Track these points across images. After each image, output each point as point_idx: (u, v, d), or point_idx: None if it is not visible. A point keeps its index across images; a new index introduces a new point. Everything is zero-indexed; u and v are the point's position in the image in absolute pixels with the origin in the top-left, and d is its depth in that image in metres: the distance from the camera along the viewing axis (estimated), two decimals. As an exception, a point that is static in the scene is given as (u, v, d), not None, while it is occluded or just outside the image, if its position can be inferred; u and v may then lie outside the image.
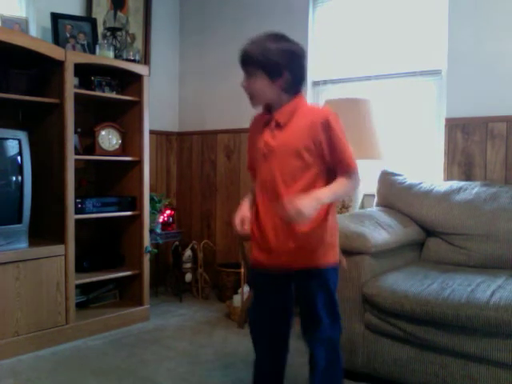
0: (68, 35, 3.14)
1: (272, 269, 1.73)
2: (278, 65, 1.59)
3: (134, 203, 3.19)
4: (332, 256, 1.72)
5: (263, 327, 1.84)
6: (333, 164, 1.66)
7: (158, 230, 3.55)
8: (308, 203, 1.52)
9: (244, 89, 1.65)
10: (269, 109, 1.70)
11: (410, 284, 2.13)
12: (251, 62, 1.60)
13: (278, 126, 1.65)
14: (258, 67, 1.59)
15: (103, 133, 3.09)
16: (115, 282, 3.28)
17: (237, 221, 1.74)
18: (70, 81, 2.79)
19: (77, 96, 2.83)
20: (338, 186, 1.64)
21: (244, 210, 1.77)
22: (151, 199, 3.40)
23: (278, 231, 1.67)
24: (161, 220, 3.62)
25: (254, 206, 1.77)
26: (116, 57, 3.22)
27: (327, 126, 1.62)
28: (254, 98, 1.65)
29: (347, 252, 2.16)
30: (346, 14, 3.30)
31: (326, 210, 1.68)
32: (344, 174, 1.66)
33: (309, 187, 1.63)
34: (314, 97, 3.42)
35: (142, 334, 2.97)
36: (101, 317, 2.99)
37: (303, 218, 1.51)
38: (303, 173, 1.64)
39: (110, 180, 3.36)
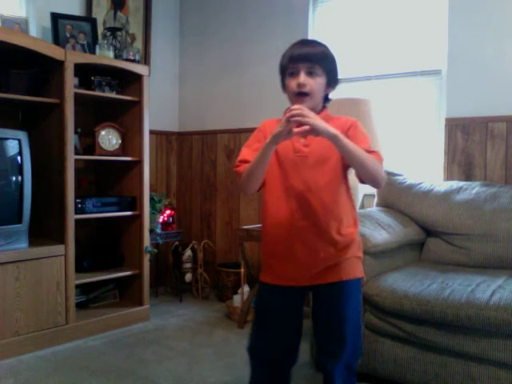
0: (68, 35, 3.14)
1: (294, 285, 1.62)
2: (336, 75, 1.66)
3: (134, 203, 3.19)
4: (360, 270, 1.67)
5: (271, 355, 1.69)
6: None
7: (158, 230, 3.56)
8: (320, 119, 1.46)
9: (302, 85, 1.57)
10: None
11: (410, 284, 2.13)
12: (322, 62, 1.60)
13: (311, 133, 1.55)
14: (324, 70, 1.60)
15: (103, 133, 3.09)
16: (115, 281, 3.28)
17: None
18: (70, 81, 2.79)
19: (77, 96, 2.83)
20: (361, 150, 1.51)
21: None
22: (151, 199, 3.40)
23: (307, 242, 1.59)
24: (161, 220, 3.62)
25: (266, 219, 1.66)
26: (116, 57, 3.22)
27: (353, 127, 1.62)
28: (308, 100, 1.59)
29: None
30: (346, 14, 3.30)
31: (354, 224, 1.65)
32: None
33: (339, 198, 1.61)
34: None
35: (142, 333, 2.97)
36: (101, 317, 2.99)
37: (305, 117, 1.43)
38: (335, 182, 1.60)
39: (110, 180, 3.36)
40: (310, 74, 1.59)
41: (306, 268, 1.61)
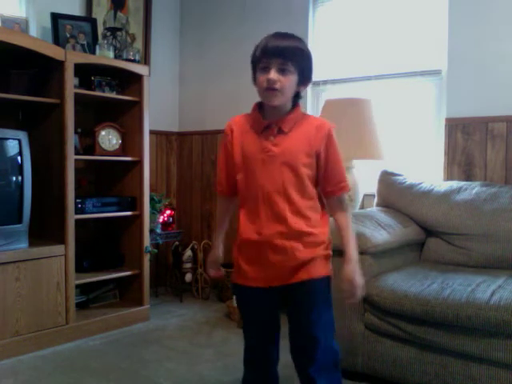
0: (68, 35, 3.14)
1: (263, 286, 1.63)
2: (310, 73, 1.62)
3: (134, 203, 3.19)
4: (329, 269, 1.66)
5: (260, 347, 1.72)
6: (324, 178, 1.61)
7: (158, 230, 3.55)
8: (359, 274, 1.60)
9: (272, 82, 1.52)
10: (259, 111, 1.64)
11: (410, 284, 2.13)
12: (295, 59, 1.54)
13: (281, 132, 1.58)
14: (296, 67, 1.55)
15: (103, 133, 3.09)
16: (115, 281, 3.28)
17: (210, 269, 1.92)
18: (70, 81, 2.79)
19: (77, 96, 2.83)
20: (350, 230, 1.66)
21: (215, 254, 1.93)
22: (151, 199, 3.40)
23: (276, 243, 1.58)
24: (161, 220, 3.62)
25: (239, 220, 1.67)
26: (116, 57, 3.22)
27: (329, 137, 1.60)
28: (278, 95, 1.54)
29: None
30: (346, 14, 3.30)
31: (325, 223, 1.65)
32: (335, 190, 1.62)
33: (308, 197, 1.60)
34: (314, 97, 3.42)
35: (142, 333, 2.97)
36: (101, 317, 2.99)
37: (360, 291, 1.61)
38: (304, 183, 1.58)
39: (109, 180, 3.36)
40: (281, 70, 1.53)
41: (274, 269, 1.60)
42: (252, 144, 1.60)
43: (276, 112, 1.60)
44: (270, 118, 1.60)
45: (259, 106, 1.64)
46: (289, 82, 1.55)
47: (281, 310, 1.72)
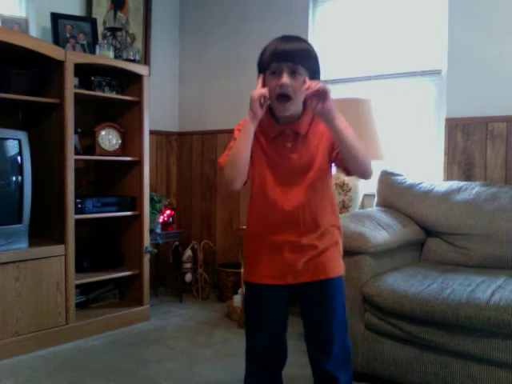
0: (68, 35, 3.14)
1: (281, 284, 1.62)
2: (319, 75, 1.57)
3: (134, 203, 3.19)
4: (342, 267, 1.68)
5: (270, 348, 1.71)
6: (342, 158, 1.55)
7: (158, 230, 3.55)
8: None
9: (285, 87, 1.49)
10: (271, 114, 1.61)
11: (410, 284, 2.13)
12: (305, 62, 1.51)
13: (298, 136, 1.57)
14: (306, 70, 1.51)
15: (103, 133, 3.09)
16: (115, 281, 3.28)
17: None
18: (70, 81, 2.79)
19: (77, 96, 2.83)
20: (355, 137, 1.49)
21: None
22: (151, 199, 3.40)
23: (293, 243, 1.58)
24: (161, 220, 3.62)
25: (252, 215, 1.66)
26: (116, 57, 3.22)
27: None
28: (289, 107, 1.52)
29: (347, 252, 2.16)
30: (346, 13, 3.30)
31: (336, 217, 1.66)
32: None
33: (324, 192, 1.61)
34: (313, 97, 3.42)
35: (142, 333, 2.97)
36: (101, 317, 2.99)
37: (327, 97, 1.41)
38: (325, 184, 1.60)
39: (109, 180, 3.36)
40: (292, 74, 1.49)
41: (291, 264, 1.60)
42: (264, 149, 1.59)
43: (289, 117, 1.57)
44: (283, 122, 1.59)
45: (270, 108, 1.59)
46: (298, 85, 1.50)
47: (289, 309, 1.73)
